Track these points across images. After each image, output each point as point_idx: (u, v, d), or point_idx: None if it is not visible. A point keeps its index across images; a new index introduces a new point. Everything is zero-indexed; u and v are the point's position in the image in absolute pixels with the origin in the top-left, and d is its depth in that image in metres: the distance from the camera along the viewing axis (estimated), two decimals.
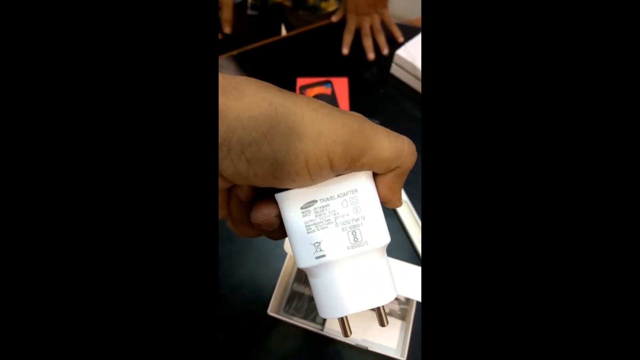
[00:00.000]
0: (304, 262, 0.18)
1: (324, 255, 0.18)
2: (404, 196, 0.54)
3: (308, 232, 0.18)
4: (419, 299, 0.38)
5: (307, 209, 0.18)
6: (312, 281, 0.19)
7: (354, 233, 0.18)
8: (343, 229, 0.18)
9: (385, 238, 0.19)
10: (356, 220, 0.18)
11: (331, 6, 0.79)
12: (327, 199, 0.18)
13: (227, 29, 0.77)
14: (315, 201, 0.18)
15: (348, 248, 0.18)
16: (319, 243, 0.18)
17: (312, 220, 0.18)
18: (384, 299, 0.19)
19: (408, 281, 0.39)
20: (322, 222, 0.18)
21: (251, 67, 0.71)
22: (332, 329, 0.43)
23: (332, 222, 0.18)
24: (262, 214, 0.19)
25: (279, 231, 0.20)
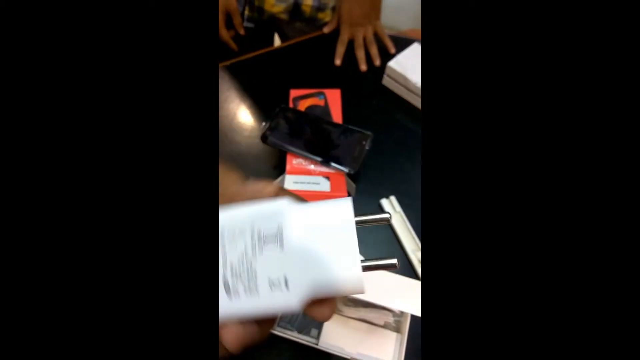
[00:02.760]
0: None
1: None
2: (397, 206, 0.54)
3: None
4: (413, 312, 0.38)
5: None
6: None
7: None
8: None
9: None
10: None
11: (328, 16, 0.80)
12: None
13: (242, 31, 0.82)
14: None
15: None
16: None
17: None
18: None
19: (402, 294, 0.39)
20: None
21: (245, 77, 0.71)
22: (327, 343, 0.42)
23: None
24: None
25: None
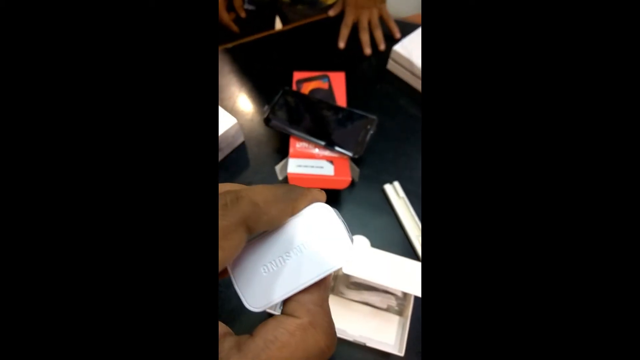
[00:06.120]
0: None
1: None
2: (401, 192, 0.53)
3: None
4: (417, 294, 0.38)
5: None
6: None
7: None
8: None
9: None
10: None
11: None
12: None
13: (242, 14, 0.81)
14: None
15: None
16: None
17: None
18: None
19: (406, 276, 0.38)
20: None
21: (246, 60, 0.70)
22: None
23: None
24: None
25: None
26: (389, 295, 0.43)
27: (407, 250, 0.50)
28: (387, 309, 0.44)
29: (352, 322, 0.43)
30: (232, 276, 0.17)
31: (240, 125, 0.61)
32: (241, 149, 0.59)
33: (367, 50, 0.70)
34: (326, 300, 0.17)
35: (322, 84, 0.61)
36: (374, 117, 0.54)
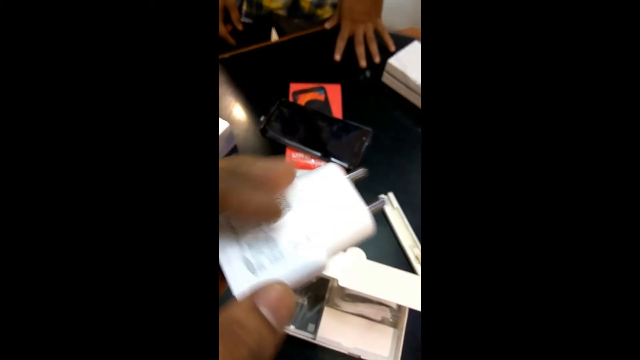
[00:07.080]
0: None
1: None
2: (395, 203, 0.54)
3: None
4: (411, 306, 0.38)
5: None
6: None
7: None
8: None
9: None
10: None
11: (327, 13, 0.80)
12: None
13: (240, 26, 0.82)
14: None
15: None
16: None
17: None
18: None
19: (400, 288, 0.39)
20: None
21: (242, 71, 0.71)
22: (324, 338, 0.42)
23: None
24: None
25: None
26: (384, 307, 0.43)
27: (401, 261, 0.51)
28: (382, 321, 0.44)
29: (346, 334, 0.43)
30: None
31: (236, 135, 0.62)
32: None
33: (363, 63, 0.71)
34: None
35: (319, 96, 0.62)
36: (369, 128, 0.55)
